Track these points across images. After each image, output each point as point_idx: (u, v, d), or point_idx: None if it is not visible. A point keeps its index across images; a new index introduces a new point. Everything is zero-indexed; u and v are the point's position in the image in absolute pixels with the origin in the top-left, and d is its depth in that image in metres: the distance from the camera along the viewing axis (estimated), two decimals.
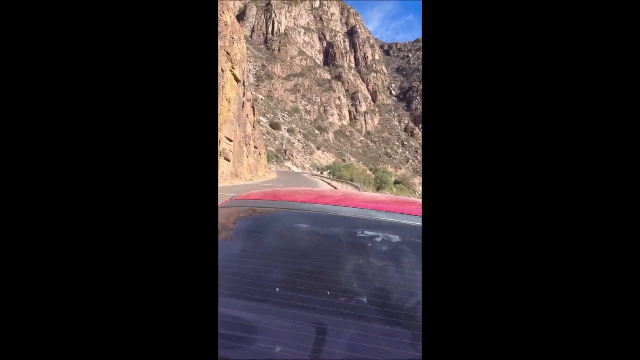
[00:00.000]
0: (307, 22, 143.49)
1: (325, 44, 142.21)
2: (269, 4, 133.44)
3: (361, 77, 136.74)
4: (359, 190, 13.82)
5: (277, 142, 74.90)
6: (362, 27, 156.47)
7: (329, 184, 27.30)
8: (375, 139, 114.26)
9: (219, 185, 16.79)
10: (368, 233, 1.15)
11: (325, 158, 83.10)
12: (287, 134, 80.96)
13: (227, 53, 22.74)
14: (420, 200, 1.33)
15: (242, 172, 25.44)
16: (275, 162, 63.04)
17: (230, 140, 22.36)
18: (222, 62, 21.63)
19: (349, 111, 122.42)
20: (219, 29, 21.72)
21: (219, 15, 21.82)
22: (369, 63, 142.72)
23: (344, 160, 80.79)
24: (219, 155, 20.56)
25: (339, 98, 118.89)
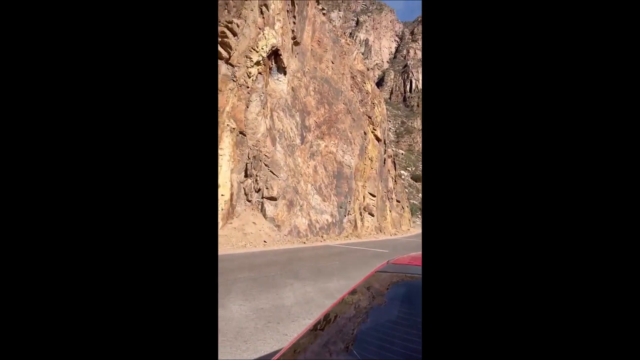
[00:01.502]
0: None
1: None
2: (405, 65, 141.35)
3: None
4: None
5: (420, 195, 72.11)
6: None
7: None
8: None
9: (364, 240, 17.32)
10: None
11: None
12: None
13: (369, 117, 24.99)
14: None
15: (386, 226, 25.47)
16: (419, 216, 60.09)
17: (374, 196, 23.26)
18: (365, 126, 23.82)
19: None
20: (360, 98, 24.45)
21: (360, 85, 24.72)
22: None
23: None
24: (363, 210, 21.55)
25: None
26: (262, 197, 13.28)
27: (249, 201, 12.84)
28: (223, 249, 9.36)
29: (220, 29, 11.77)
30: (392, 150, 42.88)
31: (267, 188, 13.36)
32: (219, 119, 11.35)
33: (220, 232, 10.53)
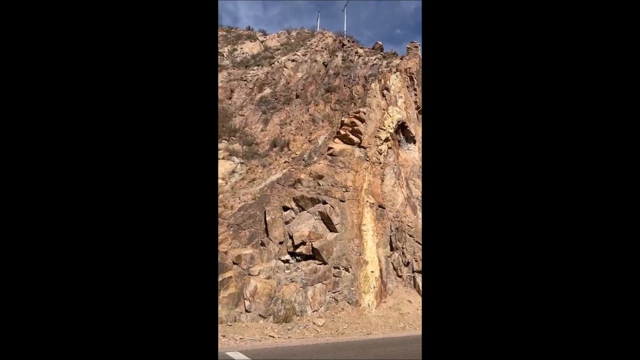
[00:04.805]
0: None
1: None
2: None
3: None
4: None
5: None
6: None
7: None
8: None
9: None
10: None
11: None
12: None
13: None
14: None
15: None
16: None
17: None
18: None
19: None
20: None
21: None
22: None
23: None
24: None
25: None
26: (413, 272, 12.43)
27: (400, 276, 12.22)
28: (381, 332, 8.85)
29: (349, 120, 13.44)
30: None
31: (415, 260, 12.53)
32: (359, 197, 12.08)
33: (375, 311, 10.17)
